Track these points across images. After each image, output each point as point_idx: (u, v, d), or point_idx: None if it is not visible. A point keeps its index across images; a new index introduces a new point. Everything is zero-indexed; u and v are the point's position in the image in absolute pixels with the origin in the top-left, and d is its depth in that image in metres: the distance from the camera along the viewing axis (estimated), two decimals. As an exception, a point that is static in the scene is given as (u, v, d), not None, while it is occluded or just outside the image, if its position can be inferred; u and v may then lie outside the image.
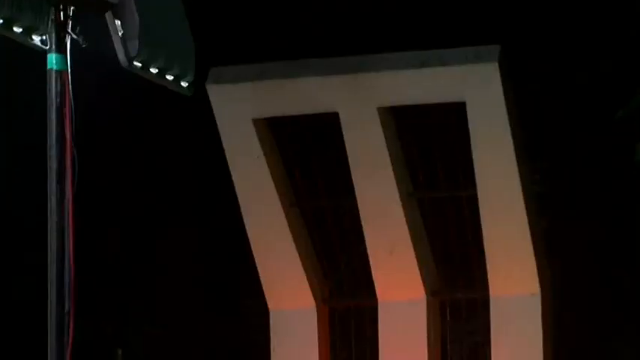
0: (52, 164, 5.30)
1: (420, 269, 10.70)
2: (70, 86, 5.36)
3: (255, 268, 10.88)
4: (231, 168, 10.74)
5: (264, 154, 10.66)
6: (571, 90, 11.11)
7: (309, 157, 10.85)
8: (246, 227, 10.75)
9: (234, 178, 10.77)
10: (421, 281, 10.71)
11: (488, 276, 10.57)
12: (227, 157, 10.71)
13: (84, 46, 5.38)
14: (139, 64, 5.59)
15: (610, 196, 11.12)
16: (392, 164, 10.51)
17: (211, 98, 10.52)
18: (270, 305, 10.94)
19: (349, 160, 10.53)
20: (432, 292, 10.78)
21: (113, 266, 10.91)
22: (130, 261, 11.26)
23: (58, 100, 5.33)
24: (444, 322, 10.98)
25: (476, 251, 10.62)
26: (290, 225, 10.76)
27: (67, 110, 5.33)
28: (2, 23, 5.17)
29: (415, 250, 10.61)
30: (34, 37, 5.31)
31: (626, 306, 11.17)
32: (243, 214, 10.77)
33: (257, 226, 10.76)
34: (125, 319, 11.38)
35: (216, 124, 10.69)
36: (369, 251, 10.70)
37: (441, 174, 10.65)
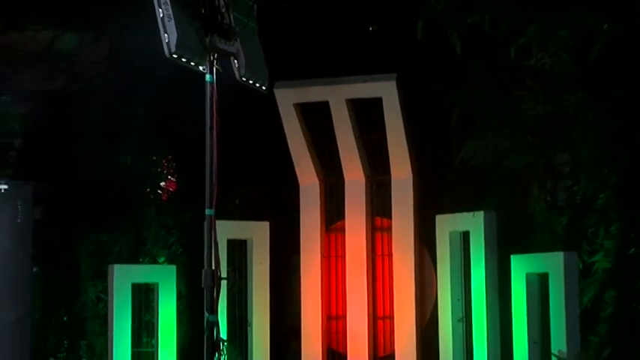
0: (208, 125, 5.38)
1: (362, 165, 10.97)
2: (215, 90, 5.46)
3: (293, 165, 11.09)
4: (284, 123, 10.95)
5: (297, 118, 10.93)
6: (437, 94, 10.56)
7: (315, 120, 11.00)
8: (290, 147, 10.99)
9: (285, 127, 10.95)
10: (362, 171, 10.98)
11: (390, 168, 10.84)
12: (282, 118, 10.91)
13: (220, 71, 5.54)
14: (244, 79, 5.77)
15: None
16: (351, 121, 10.80)
17: (276, 95, 10.73)
18: (300, 182, 11.18)
19: (333, 120, 10.83)
20: (367, 176, 11.02)
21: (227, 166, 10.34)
22: (233, 163, 10.80)
23: (210, 96, 5.40)
24: (373, 192, 11.15)
25: (386, 156, 10.79)
26: (307, 147, 11.02)
27: (214, 101, 5.40)
28: (185, 61, 5.28)
29: (360, 157, 10.92)
30: (200, 67, 5.42)
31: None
32: (288, 140, 10.98)
33: (294, 144, 11.01)
34: (230, 191, 11.18)
35: (276, 105, 10.85)
36: (341, 159, 10.97)
37: (372, 125, 10.83)
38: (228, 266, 10.45)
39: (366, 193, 11.09)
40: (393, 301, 10.88)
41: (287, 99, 10.93)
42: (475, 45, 9.39)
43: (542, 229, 10.43)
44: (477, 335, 10.28)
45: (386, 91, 10.62)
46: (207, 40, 5.35)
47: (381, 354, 10.96)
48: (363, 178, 11.06)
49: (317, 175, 11.20)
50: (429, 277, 10.92)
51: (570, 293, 9.74)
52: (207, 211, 5.24)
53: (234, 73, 5.69)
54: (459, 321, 10.50)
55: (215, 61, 5.42)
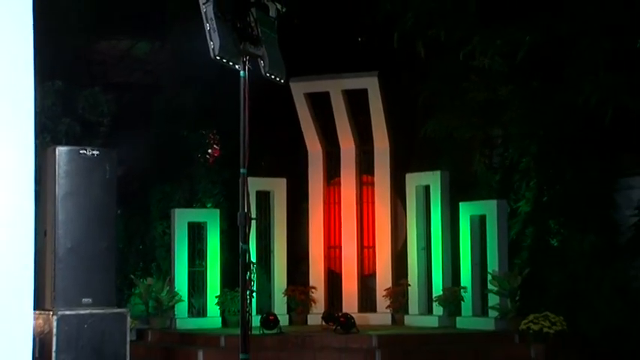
0: (242, 108, 4.99)
1: (353, 138, 10.82)
2: (247, 82, 5.05)
3: (303, 137, 10.97)
4: (296, 107, 10.79)
5: (306, 103, 10.80)
6: (407, 86, 10.51)
7: (319, 105, 10.83)
8: (301, 125, 10.84)
9: (298, 110, 10.77)
10: (353, 142, 10.85)
11: (373, 140, 10.71)
12: (295, 103, 10.75)
13: (251, 69, 5.16)
14: (268, 75, 5.34)
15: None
16: (345, 106, 10.65)
17: (291, 87, 10.56)
18: (308, 149, 11.02)
19: (332, 105, 10.68)
20: (356, 146, 10.89)
21: (256, 138, 9.48)
22: (260, 136, 10.30)
23: (243, 87, 5.05)
24: (360, 157, 10.94)
25: (370, 131, 10.67)
26: (314, 124, 10.87)
27: (246, 91, 5.04)
28: (225, 61, 4.96)
29: (351, 132, 10.77)
30: (236, 66, 5.06)
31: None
32: (300, 119, 10.83)
33: (304, 122, 10.84)
34: (258, 156, 10.61)
35: (291, 94, 10.65)
36: (338, 133, 10.85)
37: (361, 109, 10.65)
38: (256, 210, 10.37)
39: (355, 158, 11.01)
40: (375, 235, 10.86)
41: (299, 90, 10.83)
42: (434, 50, 9.31)
43: (482, 184, 10.39)
44: (435, 260, 10.28)
45: (370, 84, 10.53)
46: (241, 46, 5.16)
47: (366, 273, 10.95)
48: (354, 147, 10.98)
49: (320, 145, 11.10)
50: (401, 218, 10.87)
51: (501, 229, 9.79)
52: (242, 171, 5.06)
53: (260, 71, 5.44)
54: (422, 249, 10.49)
55: (247, 62, 5.22)
